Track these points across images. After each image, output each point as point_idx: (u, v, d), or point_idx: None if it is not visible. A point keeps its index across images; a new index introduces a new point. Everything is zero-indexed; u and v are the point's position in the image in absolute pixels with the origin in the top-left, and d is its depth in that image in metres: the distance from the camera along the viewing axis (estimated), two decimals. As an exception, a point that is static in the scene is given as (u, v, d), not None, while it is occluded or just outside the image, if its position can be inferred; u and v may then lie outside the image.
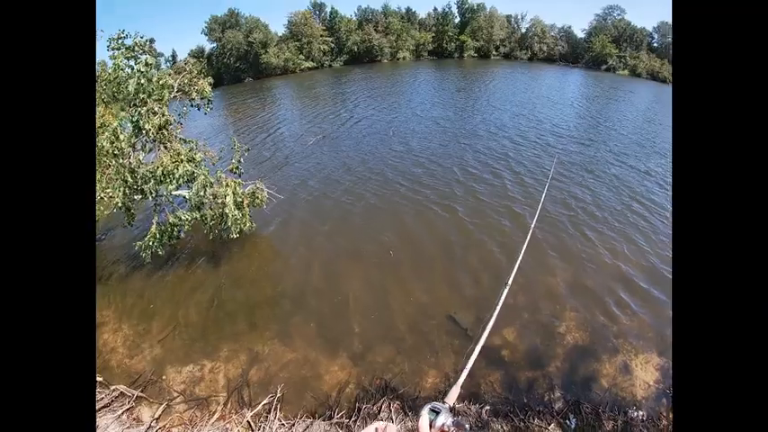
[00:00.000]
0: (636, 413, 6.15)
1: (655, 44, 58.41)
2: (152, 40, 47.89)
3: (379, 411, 6.01)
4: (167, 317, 8.43)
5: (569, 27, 65.99)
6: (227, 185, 9.24)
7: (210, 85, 10.41)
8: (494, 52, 66.08)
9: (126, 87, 8.69)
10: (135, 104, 8.89)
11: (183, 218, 9.02)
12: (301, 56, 56.96)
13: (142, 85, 8.69)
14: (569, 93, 37.09)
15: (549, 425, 5.89)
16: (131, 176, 8.58)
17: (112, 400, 6.37)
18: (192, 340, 7.77)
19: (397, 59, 62.96)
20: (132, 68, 8.84)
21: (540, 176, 15.11)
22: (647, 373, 6.90)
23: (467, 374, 2.65)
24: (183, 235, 10.05)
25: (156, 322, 8.28)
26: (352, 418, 5.88)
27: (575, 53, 63.21)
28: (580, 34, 64.94)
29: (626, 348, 7.43)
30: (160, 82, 9.27)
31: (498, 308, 3.81)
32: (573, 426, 5.93)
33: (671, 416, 6.02)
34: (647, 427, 5.90)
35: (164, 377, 6.94)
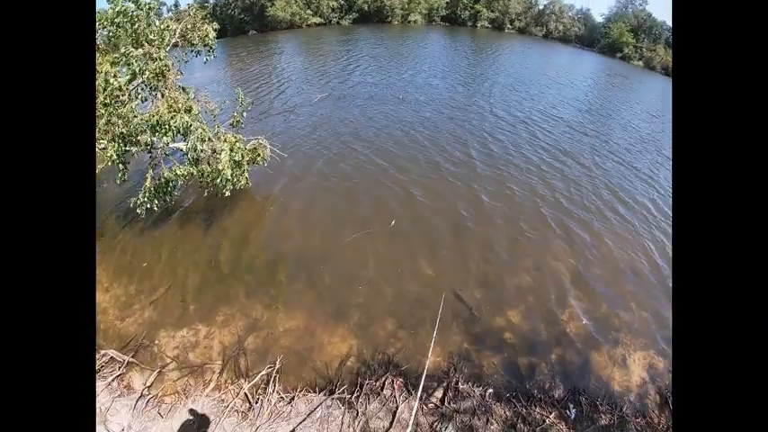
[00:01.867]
0: (631, 409, 6.20)
1: (673, 39, 56.92)
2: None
3: (383, 388, 5.85)
4: (161, 277, 8.06)
5: (588, 10, 64.76)
6: (225, 141, 8.69)
7: (216, 30, 9.63)
8: (508, 25, 63.56)
9: (125, 31, 8.04)
10: (132, 49, 8.21)
11: (178, 172, 8.51)
12: (309, 11, 54.38)
13: (142, 28, 8.02)
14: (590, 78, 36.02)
15: (551, 414, 5.88)
16: (125, 126, 7.99)
17: (102, 366, 6.07)
18: (186, 302, 7.44)
19: (409, 22, 60.37)
20: (131, 12, 8.19)
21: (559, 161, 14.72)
22: (643, 370, 6.92)
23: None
24: (177, 193, 9.54)
25: (148, 282, 7.92)
26: (355, 394, 5.70)
27: (591, 37, 61.32)
28: (598, 18, 63.71)
29: (625, 342, 7.42)
30: (161, 26, 8.58)
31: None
32: (573, 416, 5.95)
33: (664, 418, 6.12)
34: (642, 426, 5.93)
35: (156, 341, 6.64)
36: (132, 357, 6.30)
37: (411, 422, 5.13)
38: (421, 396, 5.64)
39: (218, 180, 8.65)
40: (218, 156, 8.59)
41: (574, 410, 6.02)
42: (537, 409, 5.91)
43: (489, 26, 63.35)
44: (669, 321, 7.86)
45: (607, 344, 7.32)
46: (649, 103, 29.84)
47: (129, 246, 8.97)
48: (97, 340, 6.57)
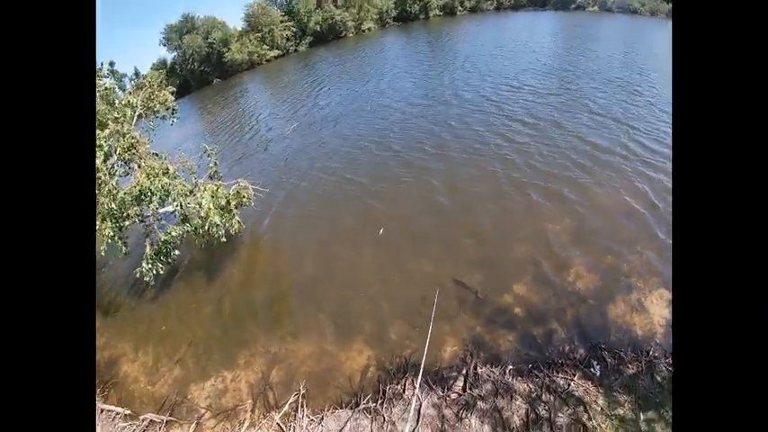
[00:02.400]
0: (659, 350, 6.06)
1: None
2: (112, 63, 46.68)
3: (404, 390, 6.02)
4: (180, 335, 8.38)
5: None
6: (205, 190, 9.04)
7: (173, 93, 10.03)
8: (459, 8, 64.08)
9: None
10: (99, 131, 8.57)
11: (173, 233, 8.84)
12: (265, 46, 55.20)
13: (105, 110, 8.38)
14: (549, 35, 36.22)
15: (574, 376, 5.84)
16: (113, 202, 8.35)
17: (144, 430, 6.40)
18: (208, 354, 7.73)
19: (363, 31, 61.07)
20: None
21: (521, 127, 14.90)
22: (663, 308, 6.80)
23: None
24: (177, 252, 9.88)
25: (170, 343, 8.24)
26: (378, 401, 5.90)
27: (541, -3, 61.37)
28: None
29: (639, 286, 7.32)
30: (122, 103, 8.97)
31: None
32: (598, 373, 5.88)
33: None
34: (671, 363, 5.77)
35: (188, 396, 6.94)
36: (170, 416, 6.60)
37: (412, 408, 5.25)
38: (441, 388, 5.83)
39: (208, 227, 8.94)
40: (200, 205, 8.92)
41: (598, 367, 5.94)
42: (560, 375, 5.87)
43: (441, 13, 63.87)
44: None
45: (620, 292, 7.24)
46: (609, 43, 30.01)
47: (145, 314, 9.31)
48: (135, 407, 6.90)
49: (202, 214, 8.78)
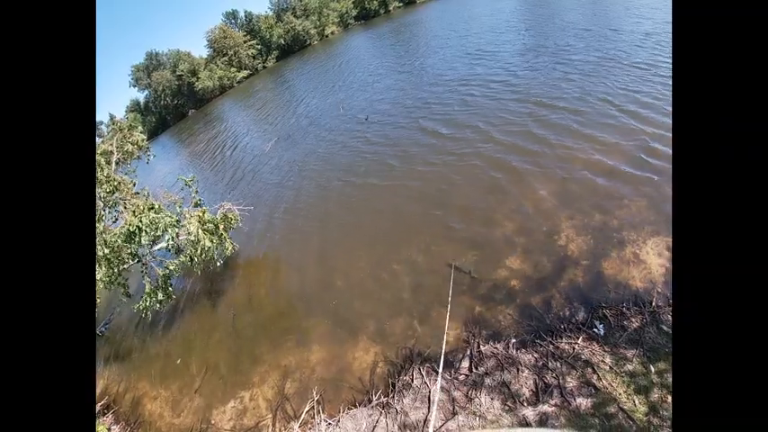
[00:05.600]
0: (662, 299, 6.02)
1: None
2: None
3: (413, 380, 6.18)
4: (195, 366, 8.56)
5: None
6: (191, 217, 9.23)
7: (142, 133, 10.26)
8: (418, -4, 64.22)
9: None
10: None
11: (170, 267, 9.05)
12: (233, 68, 55.35)
13: None
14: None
15: (578, 339, 5.83)
16: (106, 246, 8.49)
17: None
18: (224, 378, 7.91)
19: (327, 36, 61.23)
20: None
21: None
22: (660, 256, 6.78)
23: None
24: (178, 285, 10.06)
25: (187, 375, 8.42)
26: (390, 395, 6.06)
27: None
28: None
29: (631, 238, 7.30)
30: (98, 151, 9.17)
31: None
32: (602, 332, 5.86)
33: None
34: None
35: (212, 422, 7.11)
36: (197, 444, 6.75)
37: (436, 399, 5.41)
38: (448, 371, 5.97)
39: (201, 252, 9.10)
40: (189, 232, 9.09)
41: (601, 326, 5.92)
42: (563, 341, 5.89)
43: (401, 4, 63.98)
44: (666, 196, 7.84)
45: (614, 248, 7.24)
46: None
47: (159, 351, 9.50)
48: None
49: (192, 238, 8.93)
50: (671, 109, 10.35)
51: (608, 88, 13.31)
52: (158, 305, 9.02)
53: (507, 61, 19.52)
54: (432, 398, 5.78)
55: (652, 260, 6.79)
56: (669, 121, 10.25)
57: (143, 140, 10.20)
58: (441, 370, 5.62)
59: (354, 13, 64.00)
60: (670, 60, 13.04)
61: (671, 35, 1.93)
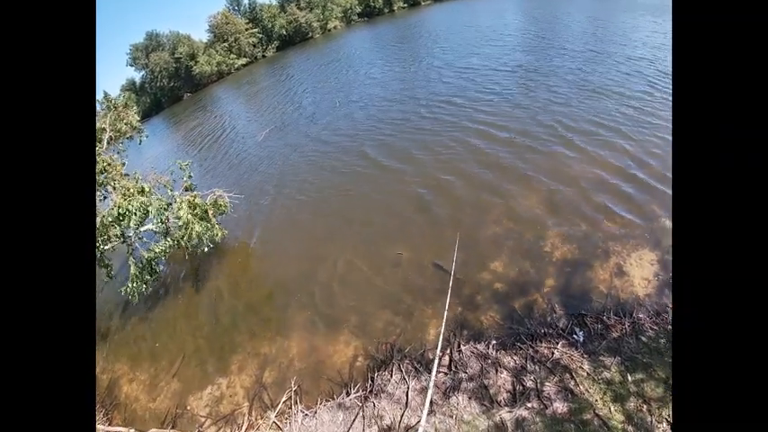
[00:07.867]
0: (644, 312, 6.12)
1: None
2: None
3: (392, 375, 6.22)
4: (174, 350, 8.48)
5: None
6: (182, 201, 9.14)
7: (138, 113, 10.09)
8: (423, -1, 64.29)
9: None
10: None
11: (157, 250, 8.93)
12: (232, 55, 54.76)
13: None
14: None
15: (557, 344, 5.92)
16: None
17: (150, 446, 6.52)
18: (202, 364, 7.85)
19: (329, 31, 60.95)
20: None
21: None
22: (643, 270, 6.89)
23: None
24: (163, 268, 9.95)
25: (165, 359, 8.33)
26: (368, 389, 6.09)
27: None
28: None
29: (616, 250, 7.43)
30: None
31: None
32: (581, 339, 5.94)
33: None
34: (656, 323, 5.88)
35: (188, 407, 7.06)
36: (172, 428, 6.76)
37: (429, 394, 5.42)
38: (427, 369, 6.01)
39: (189, 237, 9.03)
40: (179, 216, 9.02)
41: (581, 333, 6.01)
42: (543, 345, 5.97)
43: (405, 5, 63.99)
44: (653, 214, 7.99)
45: (598, 258, 7.36)
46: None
47: (139, 333, 9.38)
48: (139, 425, 7.02)
49: (180, 223, 8.86)
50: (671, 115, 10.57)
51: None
52: (144, 287, 8.92)
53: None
54: (426, 390, 5.82)
55: (635, 272, 6.92)
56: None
57: (137, 121, 10.03)
58: (435, 369, 5.63)
59: (359, 9, 63.80)
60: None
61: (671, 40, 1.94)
